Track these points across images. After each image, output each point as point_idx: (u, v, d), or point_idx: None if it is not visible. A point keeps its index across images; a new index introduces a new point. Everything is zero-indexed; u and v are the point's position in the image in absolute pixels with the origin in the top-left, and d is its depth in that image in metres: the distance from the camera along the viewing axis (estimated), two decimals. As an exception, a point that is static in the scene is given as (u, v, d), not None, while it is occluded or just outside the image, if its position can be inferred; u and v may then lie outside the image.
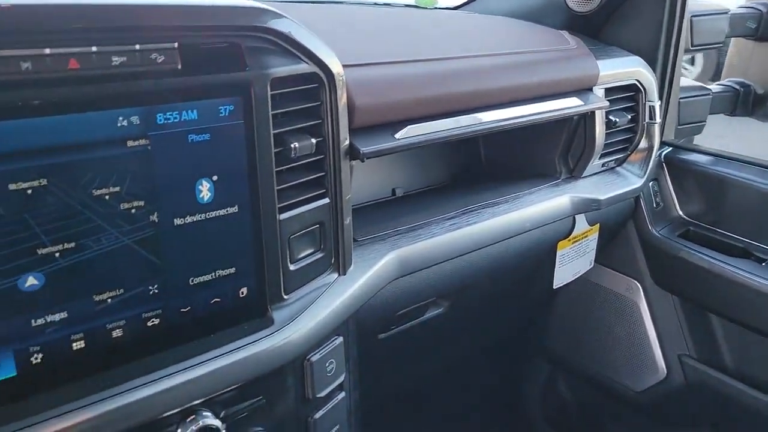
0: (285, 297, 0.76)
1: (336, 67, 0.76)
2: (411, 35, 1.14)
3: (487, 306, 1.37)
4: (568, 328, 1.65)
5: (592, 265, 1.37)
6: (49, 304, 0.59)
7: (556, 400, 1.80)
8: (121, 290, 0.63)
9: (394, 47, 1.01)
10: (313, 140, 0.76)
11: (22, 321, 0.58)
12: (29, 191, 0.56)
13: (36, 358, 0.59)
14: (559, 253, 1.25)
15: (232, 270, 0.71)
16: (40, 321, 0.59)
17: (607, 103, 1.19)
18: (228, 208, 0.69)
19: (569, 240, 1.25)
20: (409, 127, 0.89)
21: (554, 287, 1.29)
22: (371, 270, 0.88)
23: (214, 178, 0.67)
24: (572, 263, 1.29)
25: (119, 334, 0.64)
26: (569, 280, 1.31)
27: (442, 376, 1.70)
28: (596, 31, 1.43)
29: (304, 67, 0.73)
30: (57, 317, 0.60)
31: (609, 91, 1.24)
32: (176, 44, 0.62)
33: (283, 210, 0.74)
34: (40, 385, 0.60)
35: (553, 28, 1.38)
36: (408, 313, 1.06)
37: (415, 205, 1.10)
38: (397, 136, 0.88)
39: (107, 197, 0.61)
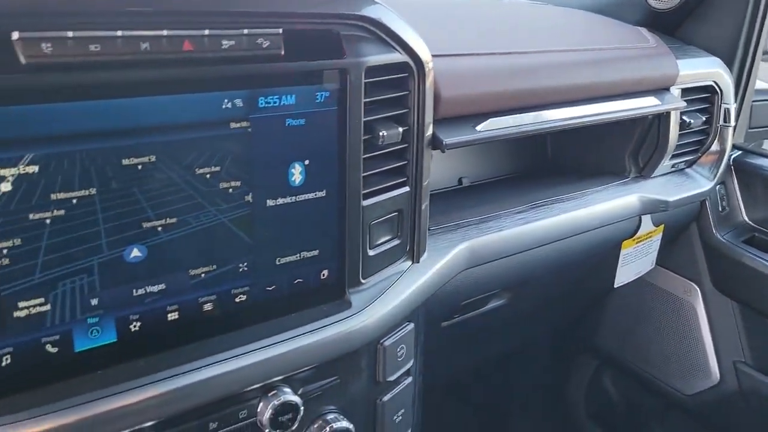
0: (362, 281, 0.78)
1: (426, 56, 0.77)
2: (489, 26, 1.13)
3: (545, 300, 1.37)
4: (619, 326, 1.63)
5: (653, 266, 1.35)
6: (150, 276, 0.62)
7: (602, 397, 1.79)
8: (214, 266, 0.66)
9: (474, 38, 1.01)
10: (400, 129, 0.76)
11: (125, 290, 0.61)
12: (139, 167, 0.58)
13: (135, 326, 0.62)
14: (622, 252, 1.24)
15: (316, 252, 0.73)
16: (140, 291, 0.62)
17: (684, 104, 1.17)
18: (317, 192, 0.71)
19: (634, 240, 1.24)
20: (490, 120, 0.89)
21: (615, 286, 1.28)
22: (443, 259, 0.89)
23: (306, 162, 0.69)
24: (635, 263, 1.28)
25: (209, 308, 0.67)
26: (630, 280, 1.30)
27: (490, 366, 1.71)
28: (673, 29, 1.41)
29: (397, 56, 0.74)
30: (156, 288, 0.62)
31: (685, 92, 1.21)
32: (280, 30, 0.63)
33: (366, 196, 0.75)
34: (136, 353, 0.63)
35: (629, 23, 1.36)
36: (472, 303, 1.07)
37: (482, 196, 1.10)
38: (478, 128, 0.88)
39: (208, 176, 0.63)
